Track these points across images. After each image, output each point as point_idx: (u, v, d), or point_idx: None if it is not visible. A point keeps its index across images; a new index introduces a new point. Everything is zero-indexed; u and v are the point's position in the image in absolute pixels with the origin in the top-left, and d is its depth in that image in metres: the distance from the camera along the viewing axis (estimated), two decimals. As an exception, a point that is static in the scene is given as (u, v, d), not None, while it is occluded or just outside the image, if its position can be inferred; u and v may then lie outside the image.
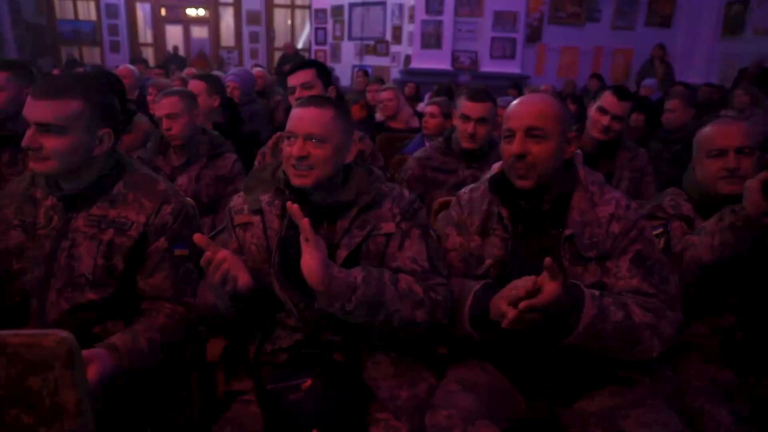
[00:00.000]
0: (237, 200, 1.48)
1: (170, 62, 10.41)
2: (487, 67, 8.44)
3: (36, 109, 1.27)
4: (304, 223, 1.21)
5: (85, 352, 1.07)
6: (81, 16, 13.49)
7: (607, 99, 2.49)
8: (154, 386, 1.41)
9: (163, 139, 2.39)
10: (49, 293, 1.36)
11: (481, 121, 2.34)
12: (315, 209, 1.38)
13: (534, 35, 8.77)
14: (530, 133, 1.37)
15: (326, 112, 1.36)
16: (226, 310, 1.32)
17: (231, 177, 2.38)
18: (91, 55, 13.24)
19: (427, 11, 8.27)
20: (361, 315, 1.26)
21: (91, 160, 1.35)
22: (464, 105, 2.35)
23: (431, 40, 8.32)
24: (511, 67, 8.43)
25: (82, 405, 0.93)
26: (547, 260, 1.14)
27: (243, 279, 1.24)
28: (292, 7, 13.86)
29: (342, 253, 1.36)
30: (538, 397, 1.38)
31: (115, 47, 13.25)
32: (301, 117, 1.36)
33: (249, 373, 1.40)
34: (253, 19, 13.50)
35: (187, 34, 13.89)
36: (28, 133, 1.28)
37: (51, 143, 1.28)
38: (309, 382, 1.28)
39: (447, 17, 8.29)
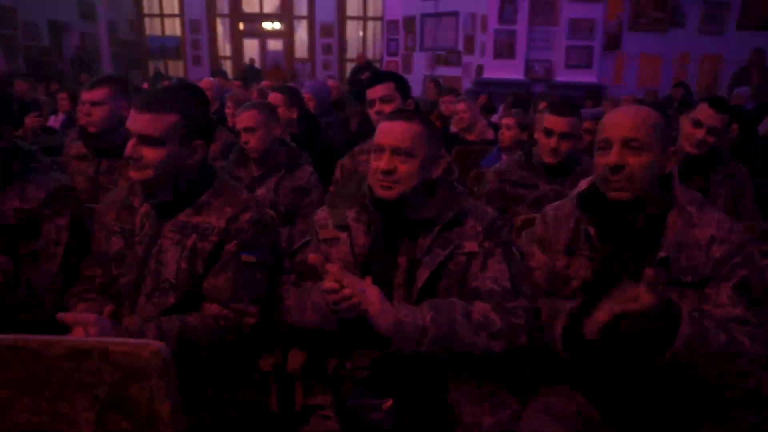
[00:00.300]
0: (321, 214, 1.49)
1: (247, 74, 10.83)
2: (562, 76, 8.22)
3: (138, 122, 1.34)
4: (348, 281, 1.19)
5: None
6: (167, 32, 14.31)
7: (702, 110, 2.34)
8: (233, 395, 1.43)
9: (243, 150, 2.46)
10: (140, 297, 1.42)
11: (564, 135, 2.26)
12: (398, 224, 1.37)
13: (612, 43, 8.45)
14: (628, 143, 1.30)
15: (415, 127, 1.35)
16: (329, 329, 1.34)
17: (308, 188, 2.41)
18: (176, 69, 13.99)
19: (501, 20, 8.16)
20: (435, 353, 1.25)
21: (184, 170, 1.41)
22: (547, 119, 2.28)
23: (504, 49, 8.20)
24: (588, 77, 8.17)
25: (176, 415, 0.96)
26: (648, 271, 1.09)
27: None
28: (364, 18, 14.09)
29: (423, 273, 1.34)
30: (632, 430, 1.30)
31: (197, 60, 13.94)
32: (389, 130, 1.35)
33: (328, 388, 1.40)
34: (326, 31, 13.83)
35: (263, 47, 14.41)
36: (131, 143, 1.35)
37: (149, 153, 1.34)
38: (390, 402, 1.26)
39: (521, 26, 8.15)
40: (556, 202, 1.56)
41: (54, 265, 1.51)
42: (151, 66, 14.00)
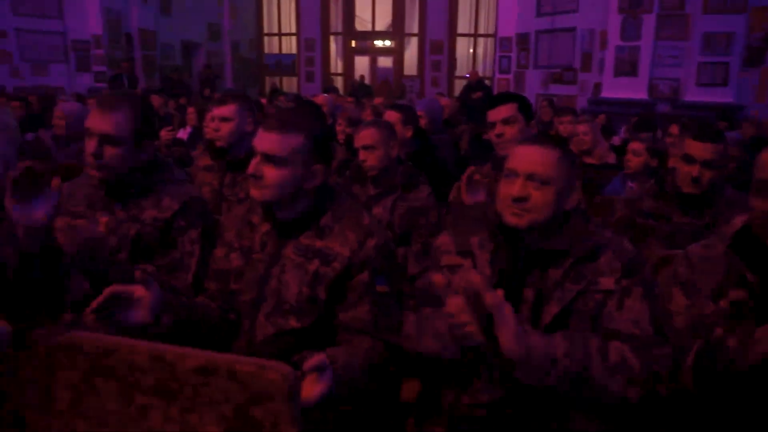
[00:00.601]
0: (444, 239, 1.44)
1: (357, 91, 11.13)
2: (692, 95, 7.59)
3: (265, 141, 1.36)
4: (489, 296, 1.12)
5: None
6: (284, 50, 15.13)
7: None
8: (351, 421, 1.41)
9: (360, 168, 2.47)
10: (259, 316, 1.44)
11: (707, 163, 2.03)
12: (527, 254, 1.28)
13: (755, 58, 7.63)
14: None
15: (552, 153, 1.27)
16: (448, 357, 1.28)
17: (425, 209, 2.37)
18: (290, 84, 14.73)
19: (623, 37, 7.75)
20: (562, 389, 1.14)
21: (303, 193, 1.41)
22: (689, 144, 2.06)
23: (626, 66, 7.76)
24: (722, 96, 7.46)
25: (299, 440, 0.94)
26: None
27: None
28: (475, 35, 14.02)
29: (552, 309, 1.24)
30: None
31: (310, 77, 14.58)
32: (525, 155, 1.28)
33: (443, 424, 1.34)
34: (436, 48, 13.92)
35: (373, 63, 14.79)
36: (254, 161, 1.37)
37: (271, 173, 1.35)
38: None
39: (645, 42, 7.67)
40: (704, 241, 1.42)
41: (189, 276, 1.57)
42: (268, 82, 14.84)
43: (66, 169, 3.00)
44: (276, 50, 15.26)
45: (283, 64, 15.07)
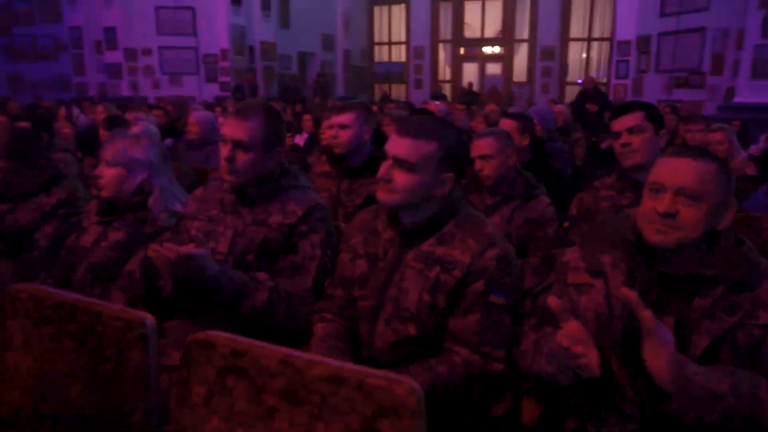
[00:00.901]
0: (572, 255, 1.36)
1: (465, 98, 11.04)
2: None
3: (397, 145, 1.37)
4: (646, 315, 1.03)
5: None
6: (393, 58, 15.39)
7: None
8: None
9: (477, 176, 2.42)
10: (378, 322, 1.43)
11: None
12: (670, 277, 1.17)
13: None
14: None
15: (707, 166, 1.16)
16: (563, 384, 1.20)
17: (543, 222, 2.28)
18: (399, 92, 14.95)
19: (764, 35, 7.00)
20: (724, 429, 1.03)
21: (430, 200, 1.40)
22: None
23: (766, 68, 7.01)
24: None
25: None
26: None
27: (593, 363, 1.11)
28: (589, 39, 13.42)
29: (702, 341, 1.12)
30: None
31: (418, 84, 14.71)
32: (675, 168, 1.18)
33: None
34: (547, 54, 13.50)
35: (482, 70, 14.62)
36: (385, 164, 1.38)
37: (401, 178, 1.36)
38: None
39: (792, 40, 6.90)
40: None
41: (309, 280, 1.61)
42: (378, 89, 15.17)
43: (197, 171, 3.24)
44: (386, 59, 15.58)
45: (393, 72, 15.36)
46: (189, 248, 1.42)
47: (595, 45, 13.46)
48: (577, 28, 13.49)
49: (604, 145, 4.24)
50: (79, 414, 1.24)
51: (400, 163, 1.36)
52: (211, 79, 11.52)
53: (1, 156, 2.15)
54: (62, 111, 6.09)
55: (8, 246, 2.16)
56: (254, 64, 11.96)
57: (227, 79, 11.39)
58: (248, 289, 1.53)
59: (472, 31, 14.65)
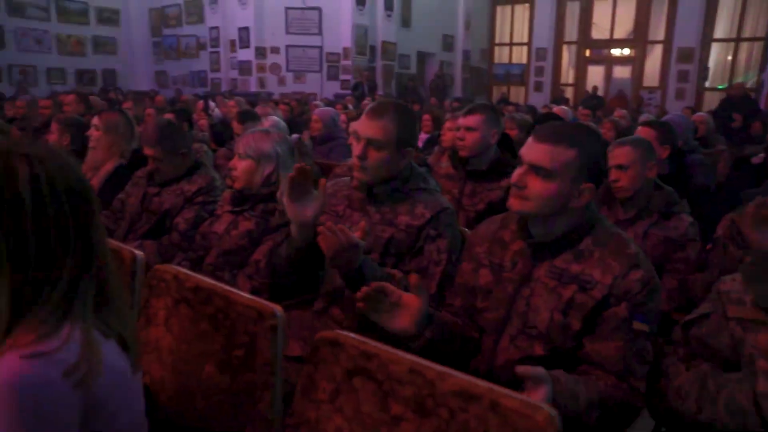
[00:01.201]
0: (732, 285, 1.21)
1: (589, 102, 10.48)
2: None
3: (534, 151, 1.29)
4: None
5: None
6: (514, 60, 15.01)
7: None
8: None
9: (609, 188, 2.26)
10: (503, 337, 1.37)
11: None
12: None
13: None
14: None
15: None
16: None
17: (682, 242, 2.07)
18: (517, 94, 14.55)
19: None
20: None
21: (565, 211, 1.30)
22: None
23: None
24: None
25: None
26: None
27: None
28: (737, 40, 12.19)
29: None
30: None
31: (538, 87, 14.22)
32: None
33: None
34: (684, 56, 12.43)
35: (608, 73, 13.82)
36: (519, 170, 1.31)
37: (536, 185, 1.28)
38: None
39: None
40: None
41: (433, 285, 1.58)
42: (495, 91, 14.88)
43: (320, 167, 3.34)
44: (506, 60, 15.24)
45: (512, 74, 14.99)
46: (357, 235, 1.43)
47: (744, 45, 12.20)
48: (723, 28, 12.30)
49: (755, 160, 3.80)
50: (210, 394, 1.30)
51: (536, 169, 1.27)
52: (332, 77, 11.96)
53: (152, 144, 2.33)
54: (200, 104, 6.57)
55: (153, 227, 2.35)
56: (374, 63, 12.22)
57: (348, 77, 11.77)
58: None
59: (600, 31, 13.86)
